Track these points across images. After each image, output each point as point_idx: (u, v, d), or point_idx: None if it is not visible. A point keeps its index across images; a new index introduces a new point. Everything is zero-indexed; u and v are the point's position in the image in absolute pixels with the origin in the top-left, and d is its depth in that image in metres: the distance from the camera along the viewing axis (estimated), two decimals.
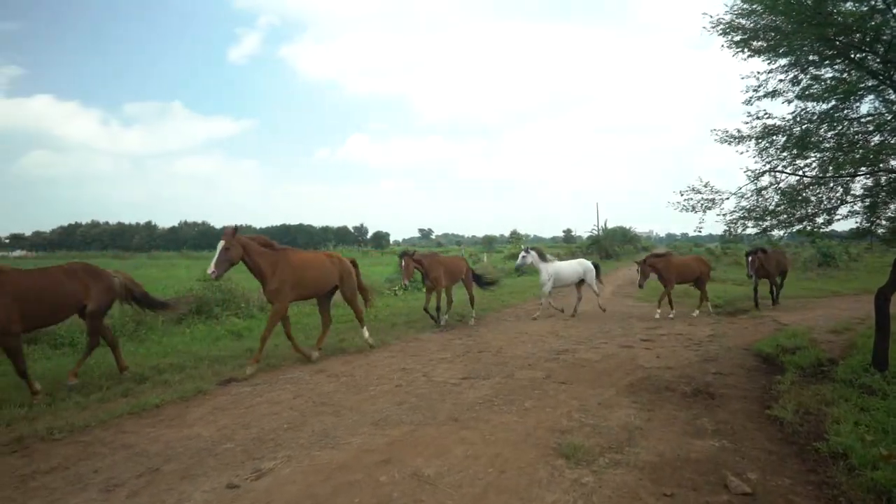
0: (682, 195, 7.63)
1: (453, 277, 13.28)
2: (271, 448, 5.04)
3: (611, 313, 14.29)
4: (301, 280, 8.69)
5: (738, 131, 7.57)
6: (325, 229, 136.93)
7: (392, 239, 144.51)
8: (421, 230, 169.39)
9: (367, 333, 10.14)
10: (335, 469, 4.53)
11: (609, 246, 46.09)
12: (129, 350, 9.10)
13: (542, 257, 14.42)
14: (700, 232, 8.79)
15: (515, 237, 38.27)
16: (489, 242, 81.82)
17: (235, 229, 7.94)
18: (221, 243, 7.73)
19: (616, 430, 5.38)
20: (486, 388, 7.09)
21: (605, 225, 51.10)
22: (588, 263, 15.04)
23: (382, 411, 6.14)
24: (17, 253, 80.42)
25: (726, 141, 7.67)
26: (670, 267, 14.16)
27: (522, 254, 14.49)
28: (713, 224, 8.10)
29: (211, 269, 7.54)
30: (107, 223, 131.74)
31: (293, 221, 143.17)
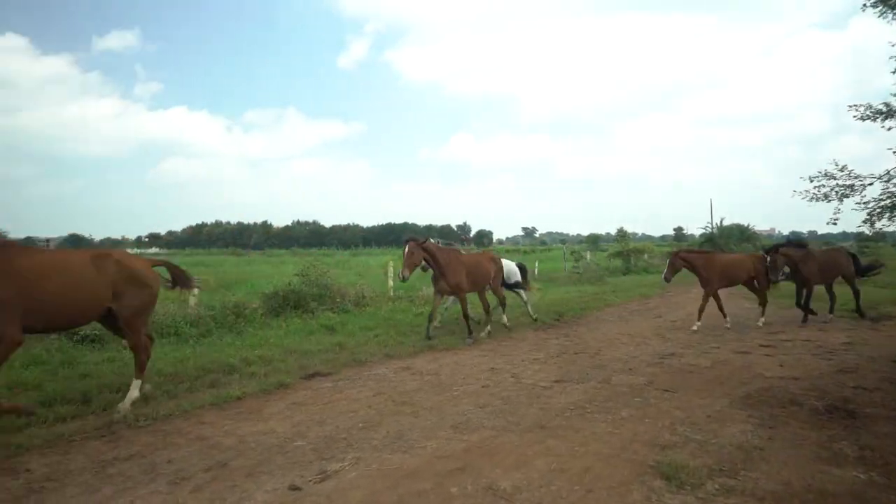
0: (812, 182, 6.64)
1: (477, 282, 10.82)
2: (342, 448, 4.77)
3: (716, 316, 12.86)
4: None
5: (887, 105, 6.45)
6: (429, 228, 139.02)
7: (495, 237, 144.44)
8: (524, 228, 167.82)
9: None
10: (404, 476, 4.17)
11: (725, 244, 43.00)
12: (227, 341, 9.33)
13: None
14: (834, 224, 7.62)
15: (622, 235, 36.58)
16: (594, 241, 79.36)
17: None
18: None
19: (729, 449, 4.62)
20: (578, 392, 6.48)
21: (721, 222, 47.85)
22: (512, 265, 12.38)
23: (464, 414, 5.73)
24: (153, 250, 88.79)
25: (870, 117, 6.59)
26: (712, 265, 11.70)
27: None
28: (849, 218, 6.97)
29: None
30: (228, 223, 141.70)
31: (398, 220, 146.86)
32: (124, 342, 6.78)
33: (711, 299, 11.60)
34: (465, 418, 5.57)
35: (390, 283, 15.64)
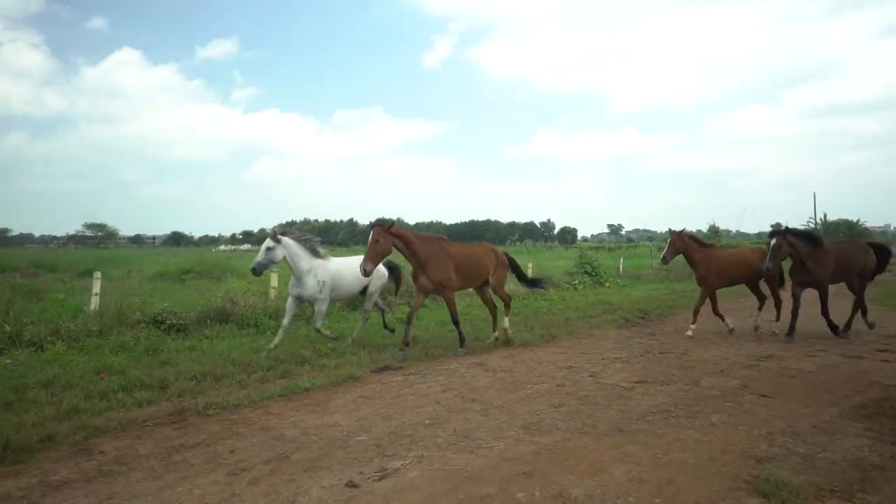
0: None
1: (470, 279, 8.96)
2: (405, 445, 4.57)
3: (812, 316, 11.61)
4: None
5: None
6: (512, 225, 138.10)
7: (580, 235, 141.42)
8: (610, 226, 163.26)
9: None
10: (467, 478, 3.90)
11: None
12: (302, 333, 9.41)
13: (313, 251, 8.67)
14: None
15: (713, 232, 34.54)
16: None
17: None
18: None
19: (842, 466, 4.03)
20: (663, 395, 5.97)
21: (825, 218, 44.33)
22: (381, 269, 9.31)
23: (536, 413, 5.39)
24: (245, 247, 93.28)
25: None
26: (710, 260, 10.08)
27: (268, 244, 8.26)
28: None
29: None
30: (316, 220, 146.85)
31: (480, 218, 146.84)
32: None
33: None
34: (537, 418, 5.23)
35: None
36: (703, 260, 10.13)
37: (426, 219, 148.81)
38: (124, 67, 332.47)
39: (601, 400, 5.82)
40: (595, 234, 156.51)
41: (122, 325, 8.85)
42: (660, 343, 9.19)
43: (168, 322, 9.17)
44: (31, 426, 4.83)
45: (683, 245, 10.20)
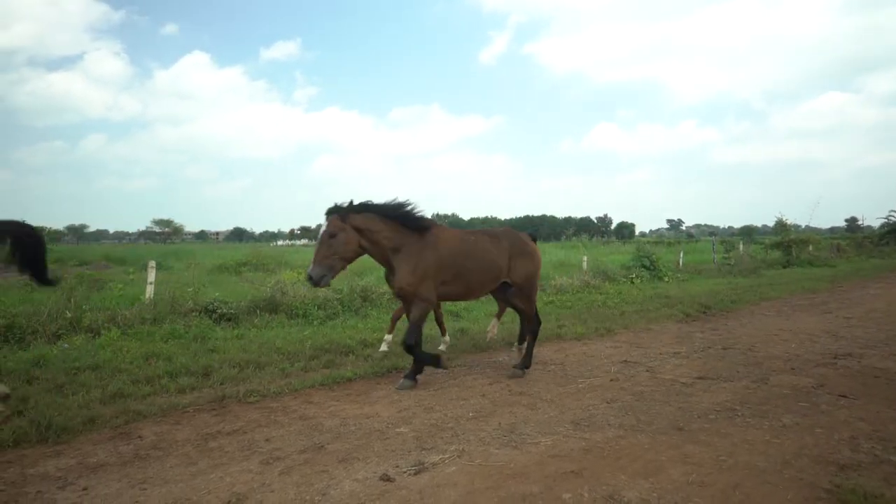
0: None
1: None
2: (446, 438, 4.33)
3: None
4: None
5: None
6: (568, 220, 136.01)
7: (638, 230, 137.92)
8: (669, 221, 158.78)
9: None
10: (510, 475, 3.62)
11: None
12: (350, 324, 9.33)
13: None
14: None
15: (781, 226, 32.71)
16: (748, 233, 72.83)
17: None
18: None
19: None
20: (727, 392, 5.52)
21: None
22: None
23: (587, 409, 5.05)
24: (302, 242, 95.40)
25: None
26: None
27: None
28: None
29: None
30: None
31: (536, 213, 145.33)
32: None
33: None
34: (588, 413, 4.90)
35: None
36: None
37: (481, 214, 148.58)
38: (194, 70, 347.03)
39: (658, 396, 5.42)
40: (653, 229, 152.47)
41: (175, 314, 8.97)
42: (723, 338, 8.62)
43: (219, 311, 9.24)
44: (77, 408, 4.85)
45: None
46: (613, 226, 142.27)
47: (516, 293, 6.63)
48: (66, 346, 7.25)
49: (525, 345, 6.78)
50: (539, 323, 6.92)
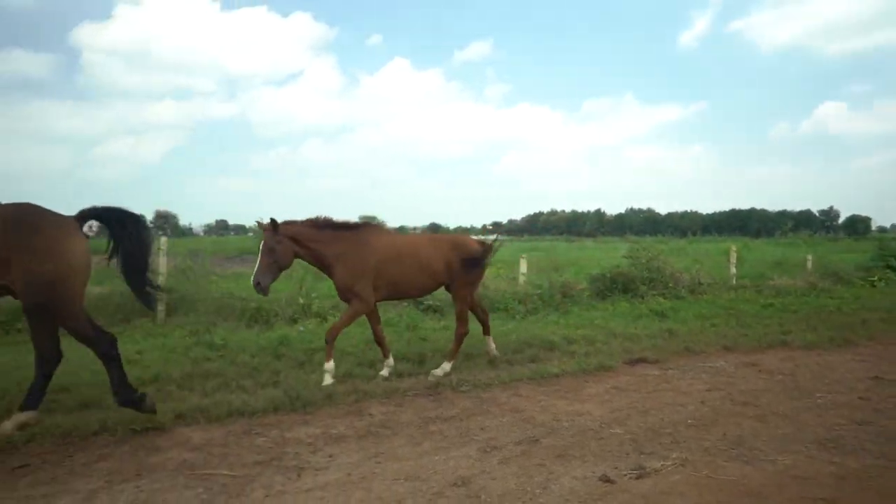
0: None
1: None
2: (665, 445, 4.11)
3: None
4: None
5: None
6: (782, 213, 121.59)
7: (874, 224, 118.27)
8: None
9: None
10: (746, 494, 3.32)
11: None
12: (552, 320, 9.32)
13: None
14: None
15: None
16: None
17: None
18: None
19: None
20: None
21: None
22: None
23: (832, 428, 4.45)
24: (493, 237, 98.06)
25: None
26: None
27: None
28: None
29: None
30: (563, 211, 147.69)
31: (744, 206, 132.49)
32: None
33: None
34: (836, 435, 4.31)
35: (732, 269, 13.91)
36: None
37: (679, 208, 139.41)
38: (395, 76, 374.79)
39: None
40: (895, 222, 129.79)
41: (386, 304, 9.71)
42: None
43: (426, 303, 9.80)
44: (315, 384, 5.47)
45: None
46: (841, 220, 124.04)
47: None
48: (301, 328, 8.24)
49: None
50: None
